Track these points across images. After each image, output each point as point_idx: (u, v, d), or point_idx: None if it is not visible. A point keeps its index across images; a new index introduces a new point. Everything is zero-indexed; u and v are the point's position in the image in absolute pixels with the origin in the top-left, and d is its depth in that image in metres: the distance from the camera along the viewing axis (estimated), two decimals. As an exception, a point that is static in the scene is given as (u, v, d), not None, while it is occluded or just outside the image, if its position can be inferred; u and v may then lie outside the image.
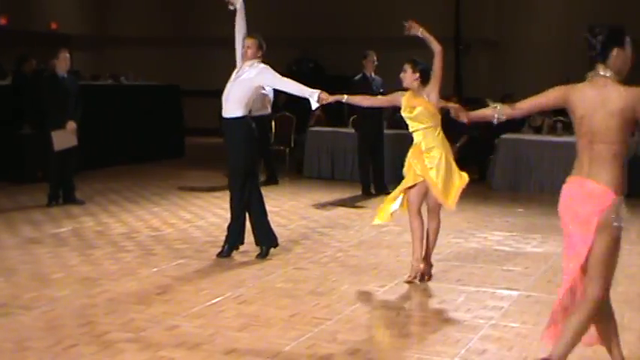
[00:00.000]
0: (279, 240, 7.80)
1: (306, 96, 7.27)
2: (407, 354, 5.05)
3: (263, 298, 6.21)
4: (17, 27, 19.29)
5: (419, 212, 6.80)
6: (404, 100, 6.83)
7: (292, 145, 14.57)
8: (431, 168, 6.69)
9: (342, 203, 10.96)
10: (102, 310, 5.80)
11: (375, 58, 11.39)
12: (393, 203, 6.83)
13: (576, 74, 16.73)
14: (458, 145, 13.24)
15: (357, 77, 11.59)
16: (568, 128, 13.20)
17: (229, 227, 7.63)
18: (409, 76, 6.78)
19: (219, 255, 7.51)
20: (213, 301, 6.08)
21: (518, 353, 5.11)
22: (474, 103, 16.69)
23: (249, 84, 7.52)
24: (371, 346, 5.27)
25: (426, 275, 6.84)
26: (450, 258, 7.74)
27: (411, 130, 6.85)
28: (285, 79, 7.50)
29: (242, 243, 7.62)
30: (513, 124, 13.47)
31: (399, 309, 6.10)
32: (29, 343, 5.08)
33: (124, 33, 21.69)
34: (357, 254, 7.70)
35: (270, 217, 9.62)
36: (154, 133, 15.26)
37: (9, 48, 16.65)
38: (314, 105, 7.28)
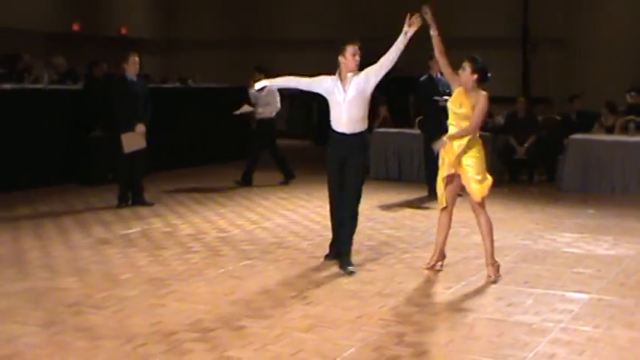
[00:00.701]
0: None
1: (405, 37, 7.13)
2: (474, 357, 4.99)
3: (329, 299, 6.21)
4: (89, 32, 19.76)
5: (448, 208, 7.06)
6: (455, 92, 6.94)
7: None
8: (466, 162, 6.84)
9: (408, 204, 10.91)
10: (170, 310, 5.88)
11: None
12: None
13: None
14: (526, 145, 13.07)
15: (423, 78, 11.53)
16: (639, 128, 12.91)
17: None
18: (466, 75, 6.81)
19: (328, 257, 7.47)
20: (280, 302, 6.11)
21: (590, 358, 5.00)
22: (542, 102, 16.55)
23: (368, 92, 7.25)
24: (438, 348, 5.21)
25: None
26: (517, 259, 7.63)
27: (449, 121, 6.95)
28: (385, 56, 7.23)
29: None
30: (585, 125, 13.25)
31: (466, 311, 6.04)
32: (100, 342, 5.18)
33: (191, 36, 22.00)
34: (424, 256, 7.64)
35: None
36: (221, 135, 15.41)
37: (81, 53, 17.07)
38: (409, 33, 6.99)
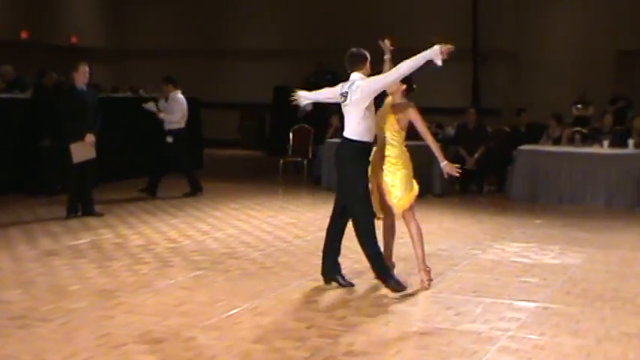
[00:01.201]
0: (300, 252, 7.78)
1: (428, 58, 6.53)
2: (423, 366, 5.04)
3: (280, 310, 6.21)
4: (38, 41, 19.49)
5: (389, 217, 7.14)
6: (385, 103, 7.04)
7: (310, 156, 14.61)
8: (386, 175, 6.94)
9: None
10: (119, 322, 5.82)
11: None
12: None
13: (593, 87, 16.90)
14: (476, 156, 13.22)
15: None
16: (586, 139, 13.16)
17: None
18: (396, 85, 6.91)
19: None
20: (230, 313, 6.09)
21: (536, 365, 5.08)
22: (492, 113, 16.80)
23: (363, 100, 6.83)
24: (387, 358, 5.24)
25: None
26: (466, 269, 7.70)
27: (377, 130, 6.99)
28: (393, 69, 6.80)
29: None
30: (533, 136, 13.47)
31: (415, 320, 6.09)
32: (46, 355, 5.11)
33: (142, 46, 21.86)
34: (375, 266, 7.66)
35: (288, 229, 9.71)
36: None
37: (30, 61, 16.82)
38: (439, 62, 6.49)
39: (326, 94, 7.37)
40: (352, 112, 6.76)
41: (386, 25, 18.89)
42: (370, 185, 6.98)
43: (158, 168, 12.47)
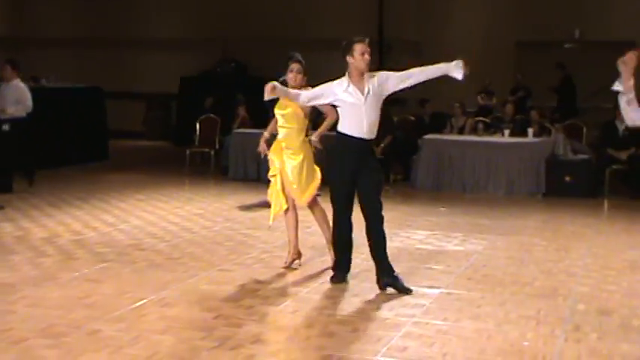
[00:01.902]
0: (207, 242, 7.75)
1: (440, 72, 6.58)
2: (329, 353, 5.09)
3: (186, 301, 6.19)
4: None
5: (291, 207, 7.21)
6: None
7: (217, 147, 14.53)
8: (287, 164, 7.11)
9: (267, 205, 10.92)
10: (20, 317, 5.69)
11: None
12: (279, 202, 7.18)
13: (495, 77, 17.26)
14: (382, 145, 13.39)
15: (282, 78, 11.51)
16: (488, 128, 13.51)
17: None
18: (298, 77, 7.08)
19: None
20: (136, 305, 6.03)
21: (439, 349, 5.19)
22: (397, 103, 17.01)
23: (383, 97, 6.65)
24: (293, 345, 5.29)
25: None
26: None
27: (278, 124, 7.22)
28: (415, 72, 6.72)
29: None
30: (438, 126, 13.75)
31: (321, 308, 6.15)
32: (-56, 352, 4.96)
33: (45, 34, 21.26)
34: (282, 255, 7.69)
35: (195, 220, 9.66)
36: (76, 136, 14.99)
37: None
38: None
39: (316, 94, 6.70)
40: (378, 107, 6.57)
41: (291, 15, 18.96)
42: (273, 174, 7.14)
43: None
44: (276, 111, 7.23)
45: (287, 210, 7.22)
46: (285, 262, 7.31)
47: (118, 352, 4.99)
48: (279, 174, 7.16)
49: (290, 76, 7.13)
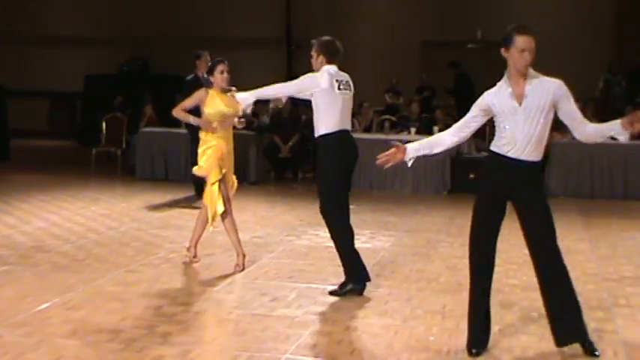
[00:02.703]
0: (113, 243, 7.60)
1: None
2: (239, 352, 5.07)
3: (92, 303, 6.06)
4: None
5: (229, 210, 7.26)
6: (210, 95, 7.13)
7: (124, 146, 14.30)
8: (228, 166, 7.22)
9: (175, 204, 10.87)
10: None
11: (209, 58, 11.19)
12: (218, 205, 7.08)
13: (401, 76, 17.49)
14: (290, 144, 13.44)
15: (189, 77, 11.40)
16: (395, 127, 13.71)
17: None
18: (224, 77, 7.13)
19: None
20: (39, 308, 5.88)
21: (347, 346, 5.24)
22: (306, 101, 16.95)
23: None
24: (202, 346, 5.25)
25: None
26: (282, 255, 7.84)
27: (215, 125, 7.11)
28: None
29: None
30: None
31: (231, 308, 6.12)
32: None
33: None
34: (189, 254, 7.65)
35: (101, 220, 9.49)
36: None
37: None
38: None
39: (291, 88, 6.66)
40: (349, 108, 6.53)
41: (199, 13, 18.83)
42: (218, 179, 7.05)
43: None
44: (217, 111, 7.09)
45: (225, 214, 7.14)
46: (238, 266, 7.15)
47: (19, 358, 4.85)
48: (222, 178, 7.10)
49: (222, 77, 7.13)
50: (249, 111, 6.94)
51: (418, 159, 5.38)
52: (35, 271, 7.05)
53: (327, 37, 6.69)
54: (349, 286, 6.44)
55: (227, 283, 6.79)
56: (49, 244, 8.16)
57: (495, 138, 4.96)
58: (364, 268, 6.53)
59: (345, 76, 6.59)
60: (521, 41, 4.76)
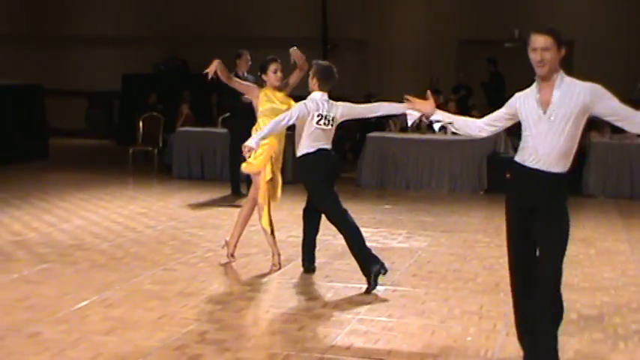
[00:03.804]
0: (150, 242, 7.65)
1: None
2: (275, 351, 5.09)
3: (130, 301, 6.11)
4: None
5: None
6: (264, 93, 7.22)
7: (161, 145, 14.40)
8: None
9: (212, 203, 10.92)
10: (-41, 319, 5.56)
11: (249, 57, 11.21)
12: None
13: (438, 75, 17.29)
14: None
15: (236, 75, 11.36)
16: (431, 126, 13.62)
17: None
18: (280, 77, 7.19)
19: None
20: (78, 306, 5.94)
21: (384, 345, 5.23)
22: (341, 101, 16.95)
23: None
24: (240, 344, 5.26)
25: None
26: (318, 255, 7.79)
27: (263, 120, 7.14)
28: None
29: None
30: (382, 123, 13.80)
31: (267, 307, 6.14)
32: None
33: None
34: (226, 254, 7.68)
35: (139, 219, 9.56)
36: (15, 135, 14.70)
37: None
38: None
39: (281, 123, 6.69)
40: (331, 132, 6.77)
41: (235, 12, 18.89)
42: (271, 173, 7.16)
43: None
44: (271, 108, 7.15)
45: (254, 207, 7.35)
46: (274, 265, 7.21)
47: (59, 355, 4.91)
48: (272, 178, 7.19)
49: (276, 77, 7.20)
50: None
51: (443, 129, 5.21)
52: (74, 269, 7.12)
53: (325, 63, 6.96)
54: (372, 273, 6.48)
55: (263, 283, 6.81)
56: (87, 242, 8.24)
57: (520, 146, 4.67)
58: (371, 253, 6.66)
59: (331, 111, 6.72)
60: (532, 40, 4.46)
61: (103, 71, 19.81)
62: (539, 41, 4.45)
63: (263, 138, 6.62)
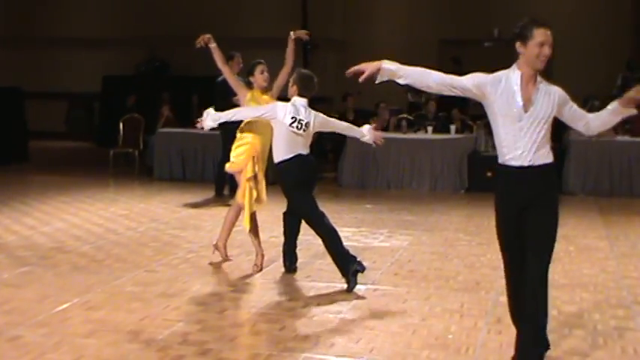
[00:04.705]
0: (132, 243, 7.63)
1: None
2: (257, 352, 5.10)
3: (111, 303, 6.10)
4: None
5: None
6: (252, 96, 7.26)
7: (142, 147, 14.36)
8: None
9: (193, 204, 10.90)
10: (-62, 324, 5.53)
11: (241, 60, 10.97)
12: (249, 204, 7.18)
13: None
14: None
15: (220, 78, 11.29)
16: (411, 126, 13.68)
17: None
18: (267, 77, 7.26)
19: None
20: (59, 309, 5.91)
21: (366, 345, 5.24)
22: (322, 101, 17.11)
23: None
24: (222, 345, 5.26)
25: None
26: (299, 255, 7.79)
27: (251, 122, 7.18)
28: None
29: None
30: (361, 123, 13.79)
31: (249, 308, 6.14)
32: None
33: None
34: (208, 255, 7.67)
35: (120, 221, 9.53)
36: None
37: None
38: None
39: (250, 113, 6.99)
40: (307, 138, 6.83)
41: (215, 12, 18.86)
42: (252, 172, 7.14)
43: None
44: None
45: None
46: (256, 266, 7.22)
47: (40, 358, 4.89)
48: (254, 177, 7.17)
49: (263, 77, 7.24)
50: (206, 128, 6.91)
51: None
52: (55, 271, 7.09)
53: (306, 72, 7.06)
54: (350, 272, 6.52)
55: (245, 283, 6.81)
56: (68, 244, 8.21)
57: (497, 145, 4.58)
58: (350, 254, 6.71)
59: (310, 116, 6.80)
60: (540, 34, 4.39)
61: (83, 73, 19.73)
62: (547, 35, 4.43)
63: (230, 121, 6.83)
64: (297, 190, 6.82)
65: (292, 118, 6.69)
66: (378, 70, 4.72)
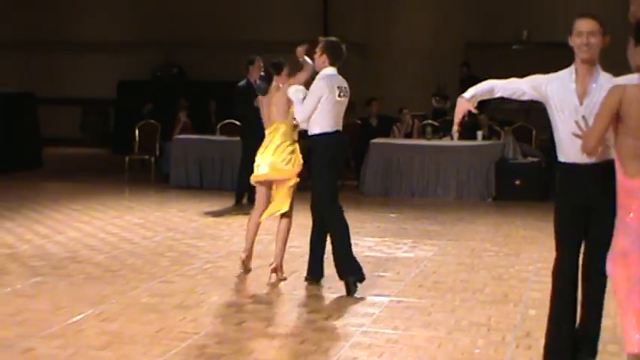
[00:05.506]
0: (147, 253, 7.47)
1: None
2: (277, 367, 4.91)
3: (126, 315, 5.91)
4: None
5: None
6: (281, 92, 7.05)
7: (158, 153, 14.20)
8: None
9: (210, 213, 10.70)
10: (-53, 336, 5.35)
11: (262, 64, 10.77)
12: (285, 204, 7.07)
13: (444, 77, 16.97)
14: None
15: (240, 83, 11.12)
16: (436, 132, 13.42)
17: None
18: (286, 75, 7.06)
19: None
20: (73, 320, 5.74)
21: (389, 359, 5.06)
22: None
23: None
24: (240, 359, 5.07)
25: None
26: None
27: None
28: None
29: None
30: (385, 129, 13.57)
31: (268, 320, 5.95)
32: None
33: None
34: (226, 265, 7.49)
35: (135, 230, 9.35)
36: (7, 144, 14.46)
37: None
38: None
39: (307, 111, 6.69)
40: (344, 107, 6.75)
41: (235, 16, 18.71)
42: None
43: None
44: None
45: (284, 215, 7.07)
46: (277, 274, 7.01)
47: (53, 372, 4.72)
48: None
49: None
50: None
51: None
52: (69, 282, 6.92)
53: (333, 39, 6.89)
54: (351, 282, 6.53)
55: (265, 294, 6.62)
56: (82, 254, 8.03)
57: (556, 142, 4.56)
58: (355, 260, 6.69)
59: (344, 82, 6.72)
60: (580, 24, 4.43)
61: (98, 78, 19.60)
62: (585, 25, 4.46)
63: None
64: (328, 168, 6.65)
65: (337, 88, 6.59)
66: (466, 108, 4.85)
